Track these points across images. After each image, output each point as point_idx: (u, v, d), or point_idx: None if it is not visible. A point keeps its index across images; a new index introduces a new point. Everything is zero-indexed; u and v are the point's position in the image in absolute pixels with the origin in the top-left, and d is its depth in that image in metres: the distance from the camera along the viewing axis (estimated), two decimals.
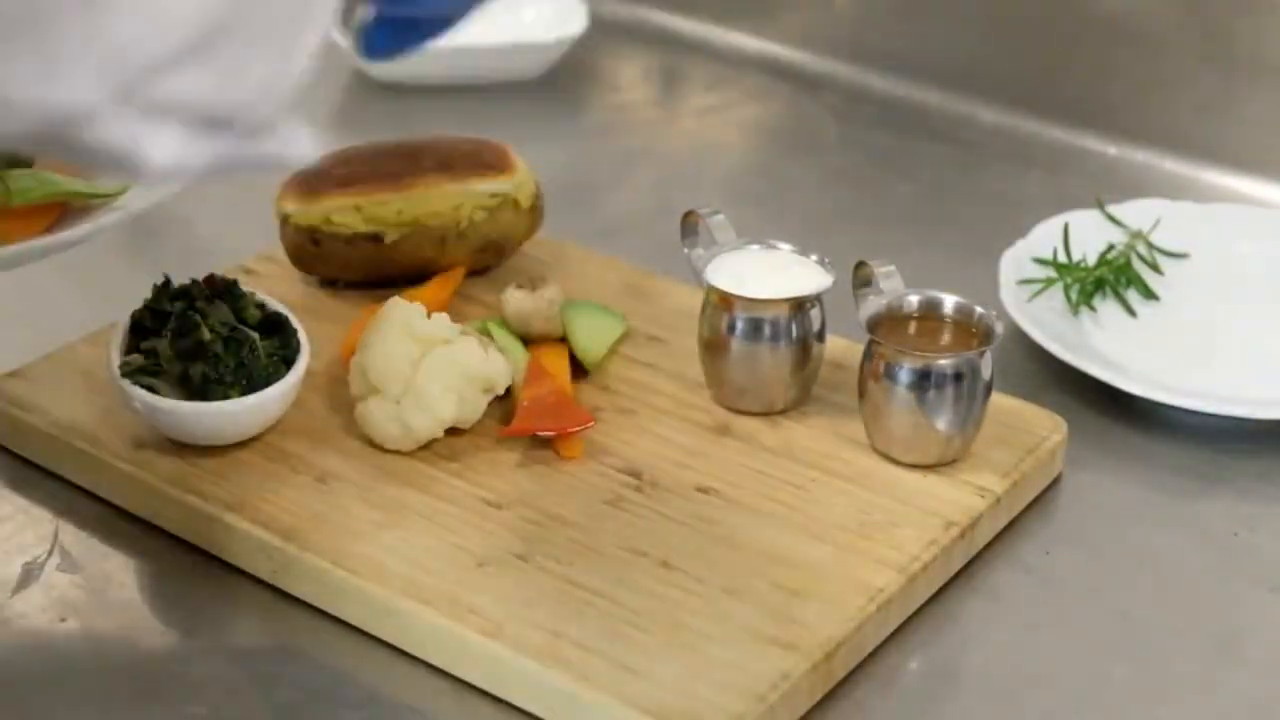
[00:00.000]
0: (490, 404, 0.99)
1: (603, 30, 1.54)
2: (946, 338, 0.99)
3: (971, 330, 0.99)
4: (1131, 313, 1.16)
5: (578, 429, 0.97)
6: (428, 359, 0.96)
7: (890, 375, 0.96)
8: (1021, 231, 1.20)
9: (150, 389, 0.95)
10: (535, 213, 1.14)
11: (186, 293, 0.99)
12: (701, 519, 0.93)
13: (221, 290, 1.00)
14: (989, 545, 0.96)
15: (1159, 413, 1.06)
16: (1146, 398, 1.06)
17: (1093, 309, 1.16)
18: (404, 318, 0.97)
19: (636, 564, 0.90)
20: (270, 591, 0.91)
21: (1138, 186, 1.33)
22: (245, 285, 1.01)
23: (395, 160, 1.12)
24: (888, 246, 1.07)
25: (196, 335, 0.96)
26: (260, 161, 0.68)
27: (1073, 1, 1.41)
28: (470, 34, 1.48)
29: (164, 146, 0.64)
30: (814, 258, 1.03)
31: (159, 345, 0.96)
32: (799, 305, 1.00)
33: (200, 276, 1.01)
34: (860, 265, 1.01)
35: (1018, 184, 1.36)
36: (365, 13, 0.75)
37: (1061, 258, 1.17)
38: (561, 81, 1.50)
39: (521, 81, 1.48)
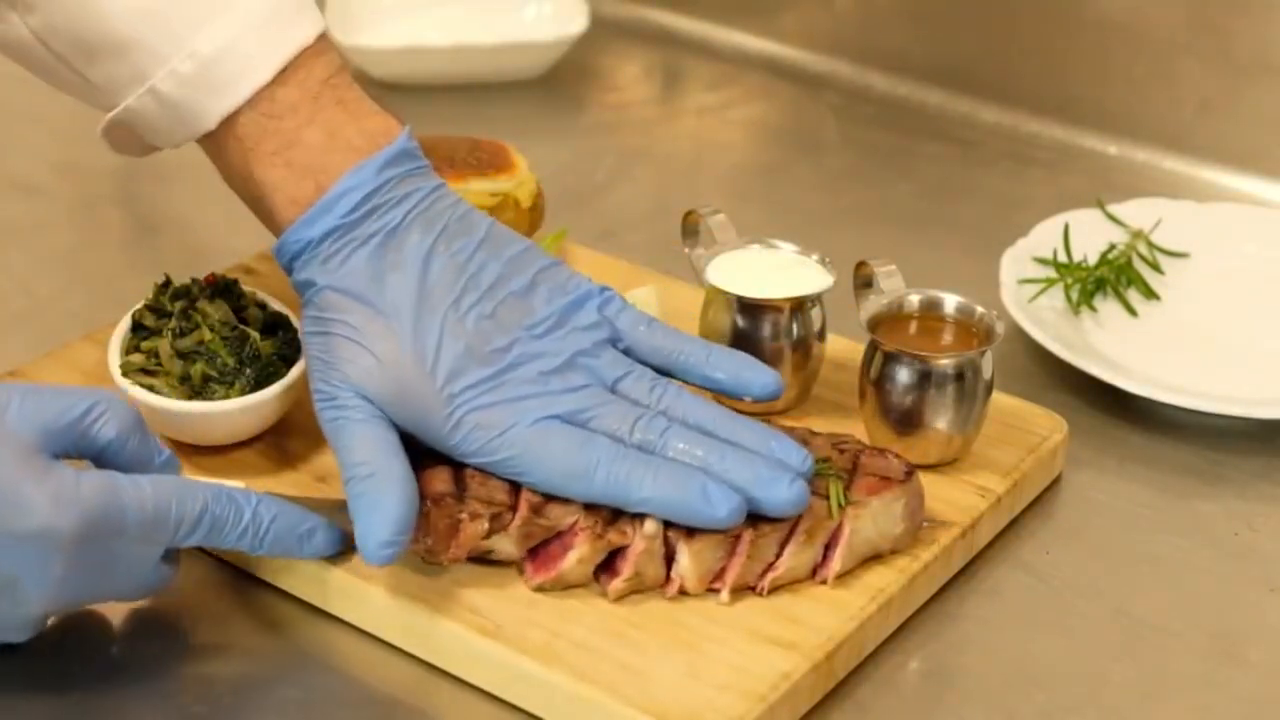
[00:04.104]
0: None
1: (603, 29, 1.54)
2: (947, 337, 0.99)
3: (972, 330, 0.99)
4: (1132, 312, 1.16)
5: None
6: None
7: (891, 375, 0.96)
8: (1022, 231, 1.20)
9: (150, 389, 0.95)
10: (536, 212, 1.14)
11: (186, 292, 0.99)
12: None
13: (222, 290, 1.00)
14: (989, 545, 0.96)
15: (1159, 413, 1.06)
16: (1147, 398, 1.06)
17: (1093, 309, 1.16)
18: None
19: None
20: (270, 591, 0.91)
21: (1138, 186, 1.33)
22: (246, 285, 1.01)
23: None
24: (888, 246, 1.07)
25: (196, 335, 0.96)
26: None
27: (1072, 1, 1.41)
28: (470, 34, 1.50)
29: None
30: (815, 257, 1.03)
31: (159, 345, 0.96)
32: (799, 305, 1.00)
33: (200, 276, 1.01)
34: (861, 265, 1.01)
35: (1018, 184, 1.36)
36: None
37: (1062, 257, 1.17)
38: (561, 81, 1.50)
39: (521, 81, 1.48)
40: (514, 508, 0.88)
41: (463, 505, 0.87)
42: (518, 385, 0.88)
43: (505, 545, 0.88)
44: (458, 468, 0.89)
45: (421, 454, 0.89)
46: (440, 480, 0.88)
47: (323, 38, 0.92)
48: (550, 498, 0.88)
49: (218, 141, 0.91)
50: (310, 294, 0.91)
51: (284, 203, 0.90)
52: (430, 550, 0.87)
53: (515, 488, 0.89)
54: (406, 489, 0.85)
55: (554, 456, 0.87)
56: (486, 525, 0.87)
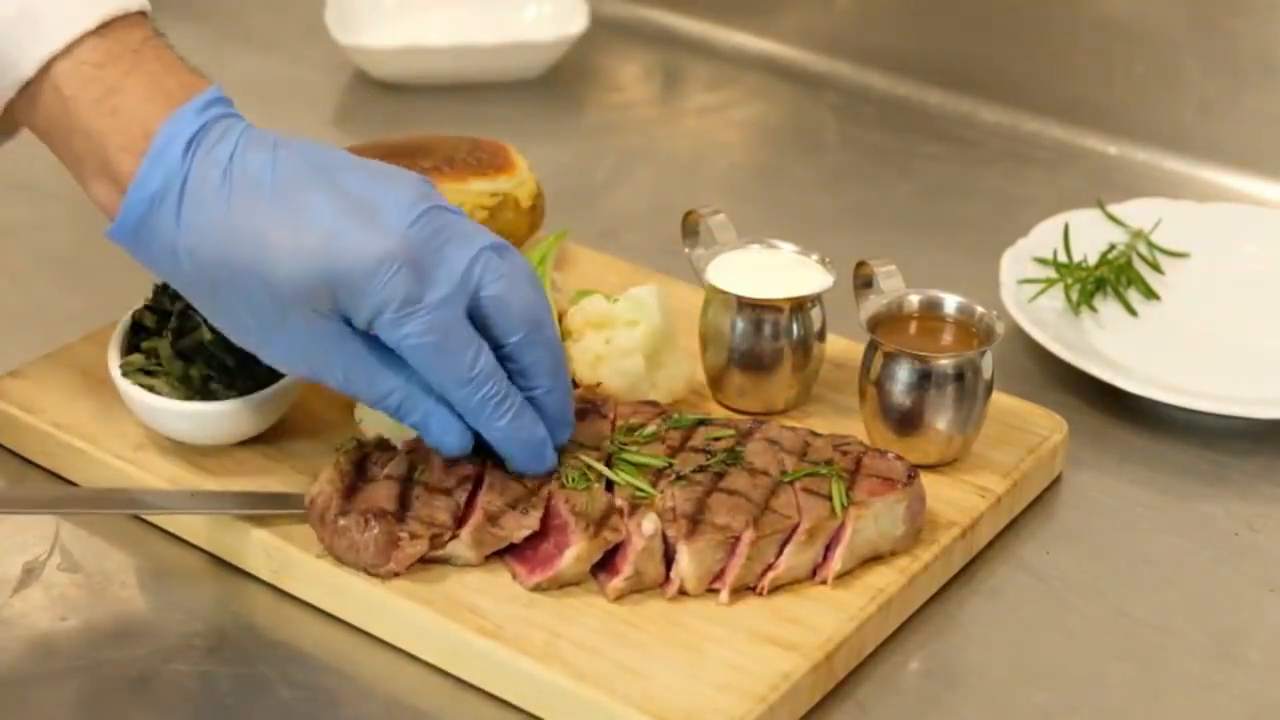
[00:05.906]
0: None
1: (603, 29, 1.54)
2: (947, 337, 0.99)
3: (972, 330, 0.99)
4: (1132, 312, 1.16)
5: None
6: None
7: (891, 375, 0.96)
8: (1022, 231, 1.20)
9: (150, 389, 0.95)
10: (536, 212, 1.14)
11: None
12: None
13: None
14: (989, 545, 0.96)
15: (1159, 413, 1.06)
16: (1147, 398, 1.06)
17: (1093, 309, 1.16)
18: None
19: None
20: (270, 591, 0.91)
21: (1138, 186, 1.33)
22: None
23: (395, 160, 1.11)
24: (888, 246, 1.07)
25: (196, 335, 0.96)
26: None
27: (1073, 1, 1.41)
28: (470, 34, 1.50)
29: None
30: (814, 257, 1.03)
31: (159, 345, 0.96)
32: (799, 305, 1.00)
33: None
34: (861, 265, 1.01)
35: (1018, 184, 1.36)
36: None
37: (1062, 257, 1.17)
38: (561, 81, 1.50)
39: (521, 81, 1.48)
40: (458, 526, 0.88)
41: (403, 525, 0.87)
42: None
43: (463, 551, 0.89)
44: (404, 485, 0.89)
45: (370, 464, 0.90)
46: (383, 496, 0.89)
47: (144, 15, 0.90)
48: (506, 508, 0.88)
49: (34, 95, 0.88)
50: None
51: (116, 150, 0.88)
52: (370, 564, 0.88)
53: (459, 508, 0.89)
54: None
55: None
56: (426, 546, 0.88)
